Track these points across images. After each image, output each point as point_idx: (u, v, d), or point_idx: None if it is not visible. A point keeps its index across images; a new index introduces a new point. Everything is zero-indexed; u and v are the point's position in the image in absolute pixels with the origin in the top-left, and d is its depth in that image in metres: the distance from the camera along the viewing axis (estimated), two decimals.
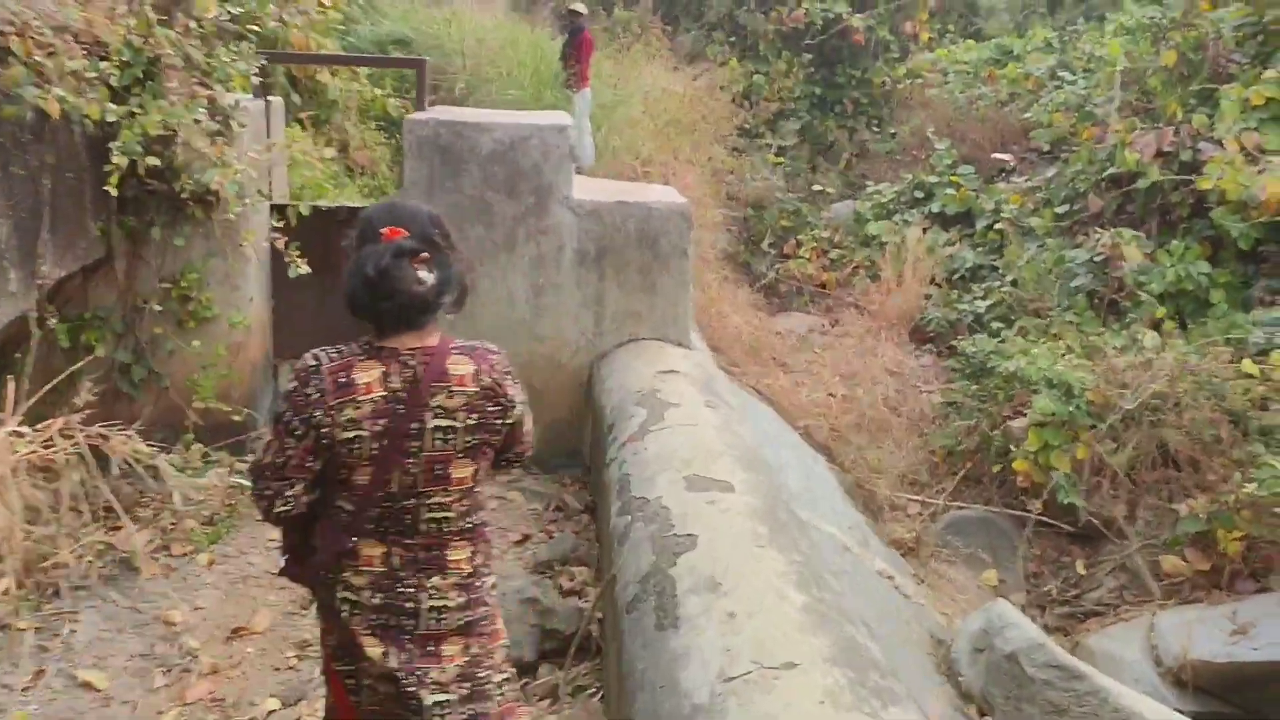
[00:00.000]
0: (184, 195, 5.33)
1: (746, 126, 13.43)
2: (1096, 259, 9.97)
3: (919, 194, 12.75)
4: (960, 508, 9.11)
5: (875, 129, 15.19)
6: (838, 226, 13.25)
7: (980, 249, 11.75)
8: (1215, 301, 9.50)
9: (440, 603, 2.74)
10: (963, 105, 14.00)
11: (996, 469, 8.78)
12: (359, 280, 2.56)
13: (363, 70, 9.66)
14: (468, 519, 2.75)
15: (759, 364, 10.77)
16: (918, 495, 9.43)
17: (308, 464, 2.67)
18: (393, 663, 2.72)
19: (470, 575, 2.78)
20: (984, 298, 10.85)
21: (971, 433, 9.15)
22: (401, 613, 2.73)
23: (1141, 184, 9.98)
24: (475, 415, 2.68)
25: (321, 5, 8.88)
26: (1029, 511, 8.55)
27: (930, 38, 16.29)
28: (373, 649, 2.72)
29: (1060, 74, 12.63)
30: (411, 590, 2.72)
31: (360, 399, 2.60)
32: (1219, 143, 9.82)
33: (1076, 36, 13.13)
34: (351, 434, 2.61)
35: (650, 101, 10.90)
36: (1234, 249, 9.64)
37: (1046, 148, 12.40)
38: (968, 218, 12.36)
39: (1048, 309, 10.15)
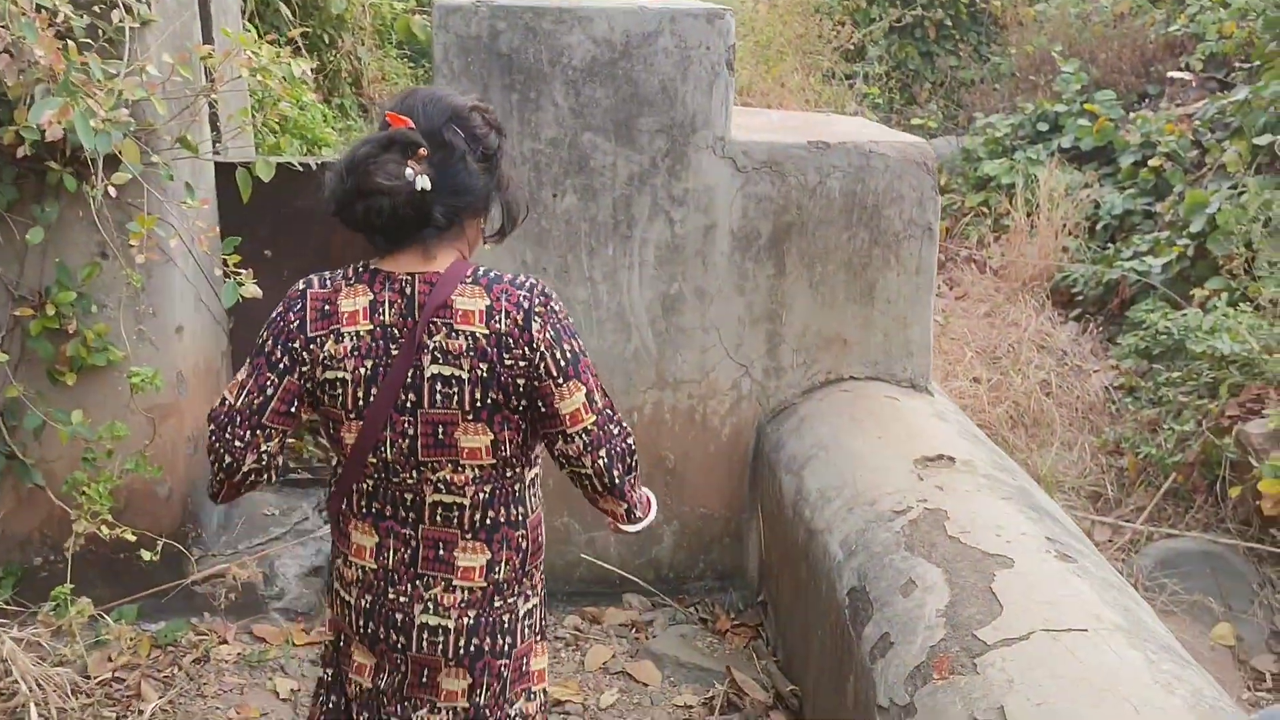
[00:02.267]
0: (25, 153, 2.48)
1: (845, 48, 10.44)
2: None
3: (1043, 126, 9.83)
4: (1171, 535, 6.36)
5: (973, 53, 12.15)
6: (941, 166, 10.31)
7: (1130, 191, 8.83)
8: None
9: (437, 621, 1.97)
10: (1075, 22, 10.98)
11: (1234, 492, 5.97)
12: (334, 174, 1.91)
13: None
14: (489, 513, 1.97)
15: None
16: (1107, 516, 6.68)
17: (292, 410, 1.95)
18: (380, 683, 2.03)
19: (486, 591, 1.99)
20: (1152, 253, 7.96)
21: (1186, 441, 6.34)
22: (391, 625, 1.99)
23: None
24: (485, 366, 1.89)
25: None
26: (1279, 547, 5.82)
27: None
28: (361, 658, 2.06)
29: None
30: (404, 600, 1.98)
31: (343, 330, 1.92)
32: None
33: None
34: (333, 375, 1.92)
35: (743, 17, 7.96)
36: None
37: (1200, 67, 9.41)
38: (1105, 153, 9.44)
39: (1246, 268, 7.28)
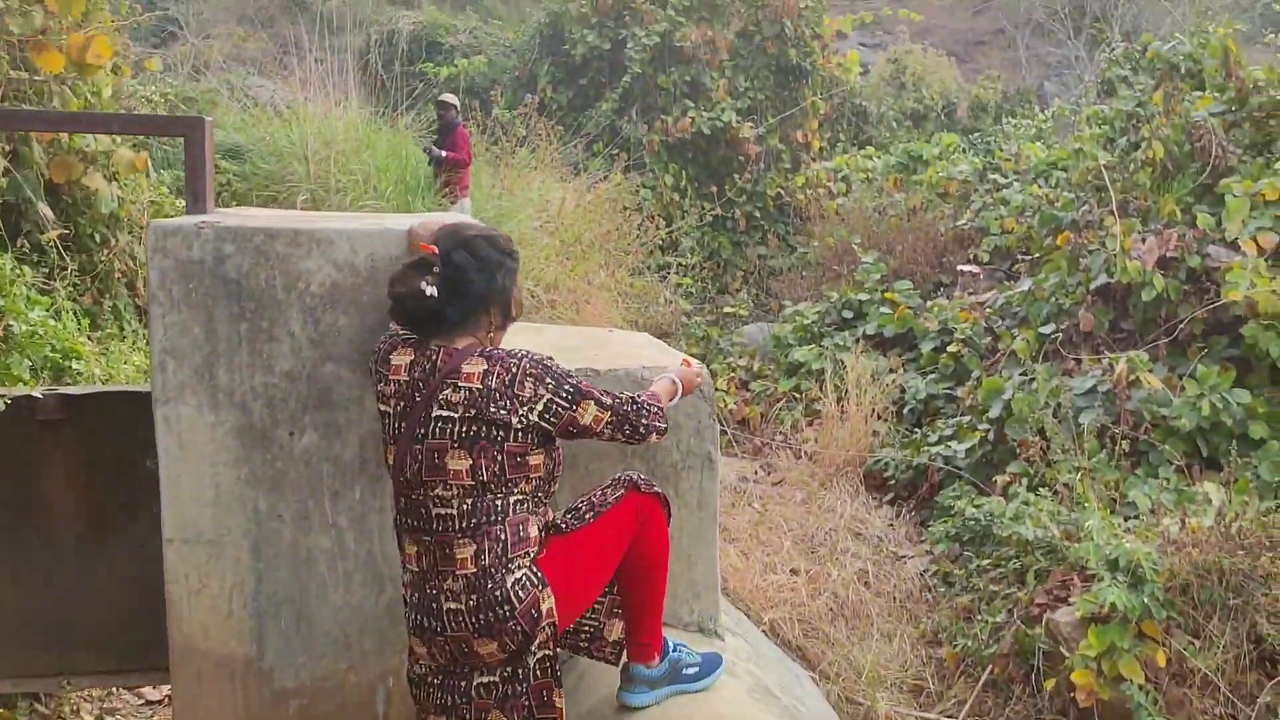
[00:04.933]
0: None
1: (655, 243, 10.52)
2: (1102, 389, 7.31)
3: (848, 313, 10.02)
4: None
5: (780, 243, 12.50)
6: (754, 353, 10.38)
7: (932, 376, 9.01)
8: (1258, 437, 6.90)
9: (455, 606, 2.60)
10: (873, 215, 11.46)
11: (1049, 683, 5.83)
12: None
13: (168, 168, 6.39)
14: (472, 519, 2.58)
15: None
16: (929, 712, 6.44)
17: None
18: (439, 660, 2.66)
19: (478, 575, 2.59)
20: (956, 437, 8.04)
21: (1000, 631, 6.22)
22: (430, 614, 2.62)
23: (1146, 295, 7.40)
24: (474, 410, 2.57)
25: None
26: None
27: (822, 146, 13.78)
28: (418, 648, 2.68)
29: (992, 176, 10.15)
30: (434, 593, 2.62)
31: (390, 378, 2.66)
32: (1233, 245, 7.40)
33: (1000, 138, 10.73)
34: (384, 408, 2.67)
35: (549, 215, 7.88)
36: (1267, 372, 7.16)
37: (987, 259, 9.86)
38: (907, 340, 9.67)
39: (1041, 453, 7.39)
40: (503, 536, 2.58)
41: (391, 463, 2.62)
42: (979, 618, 6.42)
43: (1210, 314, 7.34)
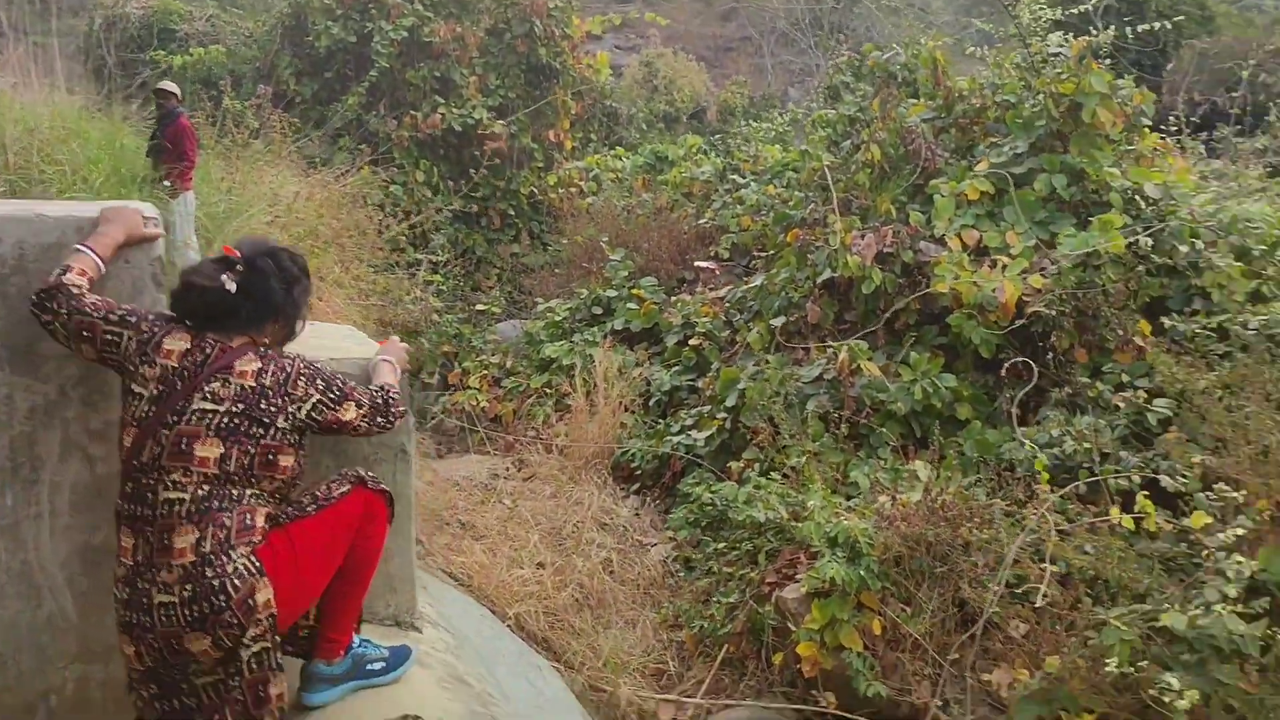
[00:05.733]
0: None
1: (403, 240, 10.28)
2: (827, 377, 7.72)
3: (597, 310, 10.16)
4: (729, 705, 6.40)
5: (534, 241, 12.51)
6: (507, 350, 10.37)
7: (676, 368, 9.26)
8: (964, 417, 7.46)
9: (167, 599, 2.51)
10: (622, 214, 11.66)
11: (777, 658, 6.11)
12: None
13: None
14: (204, 504, 2.56)
15: (443, 530, 7.64)
16: (669, 693, 6.62)
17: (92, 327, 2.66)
18: (147, 663, 2.56)
19: (196, 563, 2.52)
20: (697, 426, 8.30)
21: (734, 611, 6.46)
22: (140, 609, 2.53)
23: (865, 288, 7.87)
24: (243, 405, 2.62)
25: None
26: (821, 705, 5.98)
27: (574, 146, 13.89)
28: (126, 648, 2.57)
29: (731, 177, 10.53)
30: (146, 587, 2.53)
31: (158, 361, 2.62)
32: (940, 241, 7.96)
33: (740, 140, 11.15)
34: (136, 388, 2.61)
35: (280, 210, 7.56)
36: (970, 358, 7.74)
37: (727, 255, 10.22)
38: (653, 334, 9.91)
39: (774, 438, 7.73)
40: (228, 524, 2.56)
41: (129, 444, 2.58)
42: (715, 599, 6.64)
43: (922, 304, 7.88)
